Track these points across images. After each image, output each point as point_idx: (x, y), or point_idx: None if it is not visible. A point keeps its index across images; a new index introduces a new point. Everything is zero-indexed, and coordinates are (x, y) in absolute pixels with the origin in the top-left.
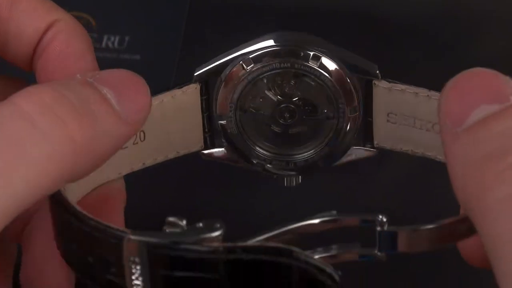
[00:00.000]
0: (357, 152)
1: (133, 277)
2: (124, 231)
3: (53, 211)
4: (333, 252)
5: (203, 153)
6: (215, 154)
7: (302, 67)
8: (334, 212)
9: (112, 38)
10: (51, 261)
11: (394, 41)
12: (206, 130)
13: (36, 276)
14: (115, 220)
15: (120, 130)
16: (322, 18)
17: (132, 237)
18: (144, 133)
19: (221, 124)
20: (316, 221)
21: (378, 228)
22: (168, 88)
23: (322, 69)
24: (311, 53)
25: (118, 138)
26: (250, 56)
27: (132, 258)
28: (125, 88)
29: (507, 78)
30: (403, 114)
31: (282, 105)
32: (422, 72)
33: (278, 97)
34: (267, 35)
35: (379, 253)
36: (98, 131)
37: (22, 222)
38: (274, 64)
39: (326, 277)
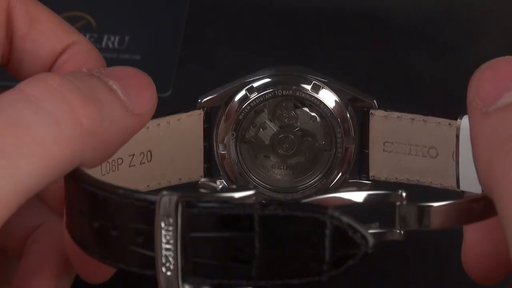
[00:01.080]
0: (353, 185)
1: (164, 241)
2: (155, 194)
3: (71, 189)
4: None
5: (201, 182)
6: (212, 185)
7: (303, 95)
8: (354, 188)
9: (112, 38)
10: (43, 273)
11: (394, 41)
12: (206, 160)
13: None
14: None
15: (127, 120)
16: (322, 18)
17: (166, 195)
18: (151, 154)
19: (221, 154)
20: (338, 195)
21: (398, 203)
22: (172, 111)
23: (321, 98)
24: (312, 83)
25: (126, 129)
26: (254, 85)
27: (165, 219)
28: (130, 81)
29: None
30: (399, 142)
31: (282, 136)
32: (422, 72)
33: (278, 127)
34: (270, 67)
35: (398, 231)
36: (105, 118)
37: (24, 237)
38: (276, 92)
39: (358, 236)
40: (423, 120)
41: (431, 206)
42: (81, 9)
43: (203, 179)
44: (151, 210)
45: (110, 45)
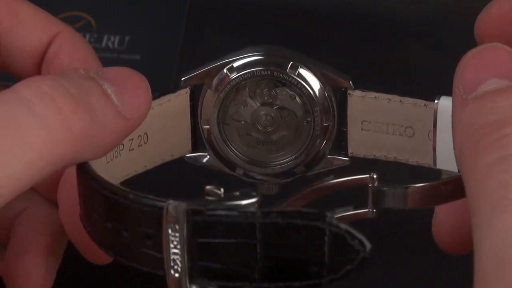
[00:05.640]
0: (332, 161)
1: (172, 245)
2: (164, 200)
3: (85, 186)
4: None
5: (187, 156)
6: (198, 159)
7: (281, 75)
8: (332, 176)
9: (112, 38)
10: (31, 253)
11: (395, 41)
12: (192, 136)
13: (13, 268)
14: None
15: (119, 124)
16: (322, 18)
17: (173, 203)
18: (147, 136)
19: (205, 129)
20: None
21: (370, 185)
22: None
23: (299, 78)
24: (290, 63)
25: (118, 132)
26: (234, 64)
27: (172, 226)
28: (125, 84)
29: None
30: (376, 121)
31: (262, 113)
32: (422, 72)
33: (258, 105)
34: (251, 47)
35: (370, 211)
36: (96, 122)
37: (10, 222)
38: (255, 72)
39: (356, 242)
40: (400, 100)
41: (401, 188)
42: (81, 9)
43: (208, 187)
44: (160, 215)
45: (110, 45)
